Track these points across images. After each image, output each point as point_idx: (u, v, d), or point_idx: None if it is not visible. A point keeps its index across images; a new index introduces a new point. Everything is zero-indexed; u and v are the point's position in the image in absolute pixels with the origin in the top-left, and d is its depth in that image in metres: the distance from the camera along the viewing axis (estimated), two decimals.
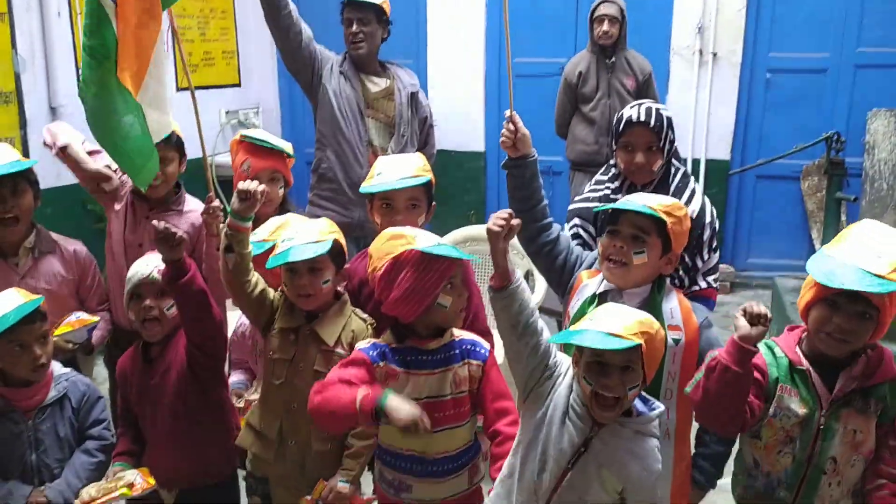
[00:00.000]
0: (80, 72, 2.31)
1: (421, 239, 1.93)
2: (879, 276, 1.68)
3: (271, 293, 2.18)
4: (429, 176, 2.35)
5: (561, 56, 5.96)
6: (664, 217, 2.00)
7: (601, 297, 2.09)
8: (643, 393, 1.83)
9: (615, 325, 1.67)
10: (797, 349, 1.90)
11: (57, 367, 2.24)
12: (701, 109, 5.73)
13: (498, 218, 1.83)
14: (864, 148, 5.17)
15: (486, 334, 2.30)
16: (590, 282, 2.16)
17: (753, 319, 1.75)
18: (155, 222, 2.04)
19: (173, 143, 2.63)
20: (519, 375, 1.89)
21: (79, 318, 2.42)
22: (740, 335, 1.75)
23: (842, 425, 1.83)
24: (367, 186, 2.37)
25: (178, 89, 5.43)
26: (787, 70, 5.58)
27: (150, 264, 2.20)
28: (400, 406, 1.76)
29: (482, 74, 6.17)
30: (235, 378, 2.55)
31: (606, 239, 2.08)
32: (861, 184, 5.14)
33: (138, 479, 2.08)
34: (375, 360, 1.93)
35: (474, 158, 6.25)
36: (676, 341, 2.04)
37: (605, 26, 4.62)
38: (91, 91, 2.23)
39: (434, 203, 2.42)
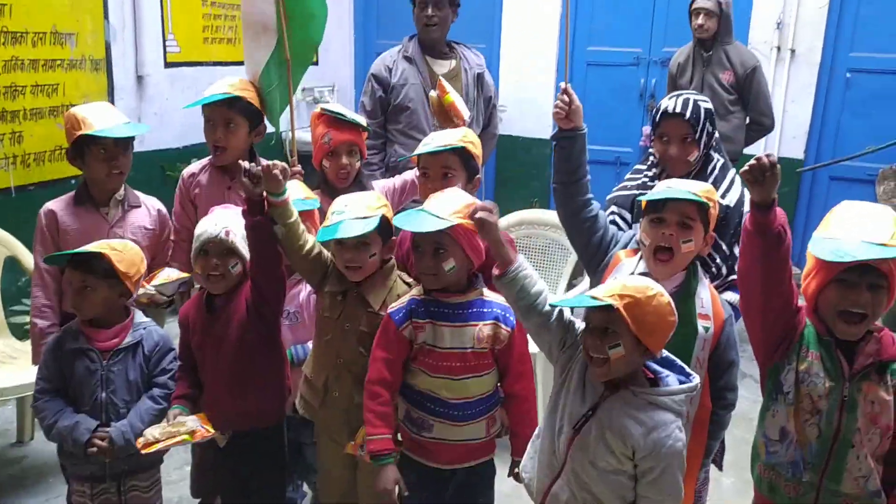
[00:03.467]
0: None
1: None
2: (882, 245, 1.74)
3: (325, 254, 2.29)
4: (462, 144, 2.38)
5: (636, 46, 5.95)
6: (707, 202, 2.05)
7: None
8: (686, 368, 1.87)
9: (602, 289, 1.76)
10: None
11: (138, 315, 2.40)
12: (776, 106, 5.59)
13: (483, 210, 1.94)
14: None
15: None
16: (627, 261, 2.21)
17: (758, 174, 1.79)
18: (241, 162, 2.18)
19: (240, 108, 2.77)
20: (541, 348, 2.02)
21: (171, 272, 2.59)
22: (753, 197, 1.84)
23: (863, 397, 1.85)
24: (402, 156, 2.46)
25: None
26: (869, 70, 5.41)
27: (218, 224, 2.29)
28: (384, 478, 2.08)
29: (554, 62, 6.18)
30: None
31: (651, 228, 2.10)
32: None
33: (199, 427, 2.21)
34: (401, 322, 2.10)
35: (541, 145, 6.27)
36: (706, 329, 2.08)
37: (701, 20, 4.56)
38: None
39: (478, 176, 2.45)
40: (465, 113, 2.75)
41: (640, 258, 2.19)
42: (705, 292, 2.13)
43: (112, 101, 4.44)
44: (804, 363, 1.91)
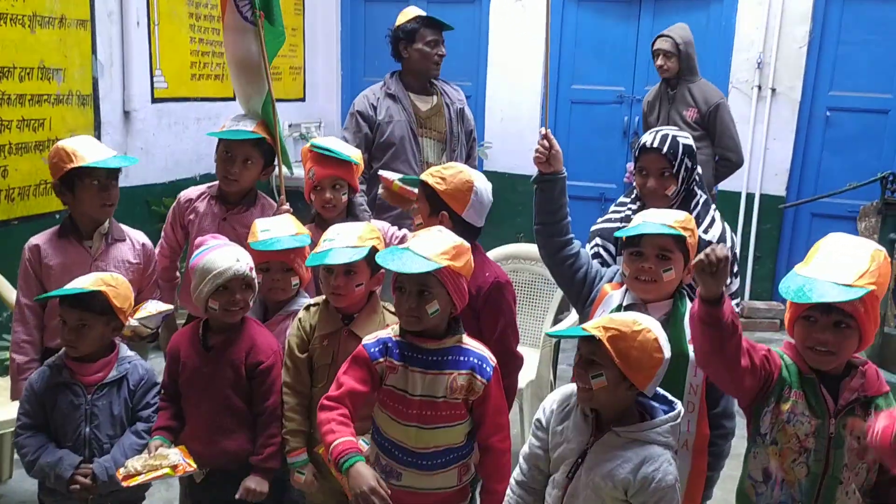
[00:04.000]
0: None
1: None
2: (846, 286, 1.75)
3: (302, 339, 2.31)
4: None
5: (618, 84, 6.04)
6: (683, 233, 2.08)
7: (626, 310, 2.15)
8: (668, 396, 1.88)
9: (591, 322, 1.78)
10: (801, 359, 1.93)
11: (123, 349, 2.38)
12: (757, 144, 5.72)
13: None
14: None
15: (514, 356, 2.36)
16: (614, 293, 2.24)
17: (711, 268, 1.77)
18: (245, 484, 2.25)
19: (261, 149, 2.89)
20: None
21: (156, 305, 2.58)
22: (701, 293, 1.82)
23: (847, 432, 1.86)
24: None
25: None
26: (848, 109, 5.53)
27: (241, 260, 2.29)
28: (360, 477, 1.82)
29: (539, 100, 6.25)
30: None
31: (630, 261, 2.14)
32: None
33: (182, 461, 2.18)
34: (375, 356, 2.01)
35: (527, 181, 6.25)
36: None
37: (660, 60, 4.73)
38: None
39: (443, 212, 2.38)
40: (414, 190, 2.78)
41: (627, 290, 2.22)
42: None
43: (98, 136, 4.45)
44: (787, 403, 1.91)
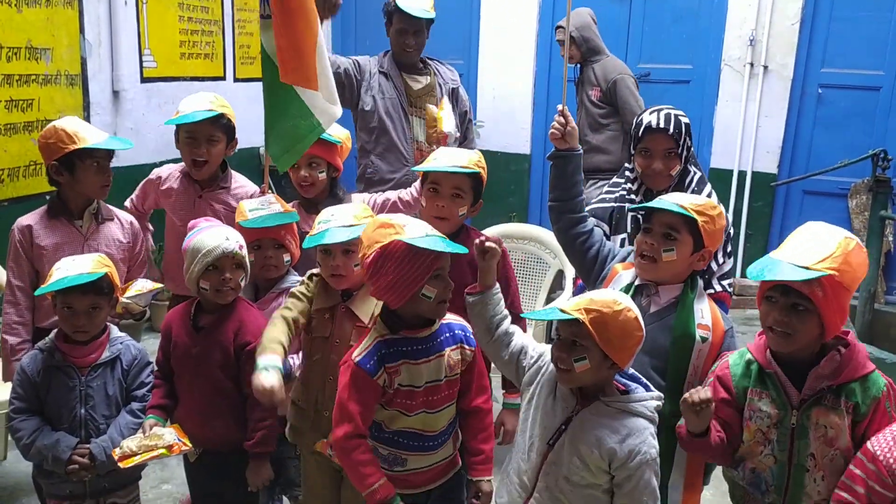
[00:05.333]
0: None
1: (409, 229, 1.91)
2: (803, 267, 1.76)
3: (301, 307, 2.26)
4: (478, 170, 2.36)
5: None
6: (695, 216, 2.06)
7: (637, 289, 2.16)
8: (645, 381, 1.91)
9: (571, 302, 1.79)
10: (767, 353, 1.94)
11: (114, 331, 2.38)
12: (749, 122, 5.71)
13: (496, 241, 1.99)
14: None
15: (520, 319, 2.34)
16: (624, 273, 2.25)
17: (695, 407, 1.85)
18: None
19: (221, 125, 2.87)
20: (501, 369, 2.09)
21: (145, 283, 2.60)
22: (688, 428, 1.92)
23: (813, 423, 1.87)
24: (419, 167, 2.45)
25: (235, 80, 5.62)
26: (840, 86, 5.52)
27: (230, 238, 2.30)
28: None
29: (531, 78, 6.23)
30: None
31: (640, 236, 2.16)
32: None
33: (177, 440, 2.19)
34: (373, 370, 1.94)
35: (519, 161, 6.32)
36: (703, 339, 2.10)
37: (563, 51, 4.72)
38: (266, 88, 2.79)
39: (481, 201, 2.44)
40: (448, 126, 2.77)
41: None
42: (704, 305, 2.15)
43: (88, 117, 4.42)
44: (746, 406, 1.96)
